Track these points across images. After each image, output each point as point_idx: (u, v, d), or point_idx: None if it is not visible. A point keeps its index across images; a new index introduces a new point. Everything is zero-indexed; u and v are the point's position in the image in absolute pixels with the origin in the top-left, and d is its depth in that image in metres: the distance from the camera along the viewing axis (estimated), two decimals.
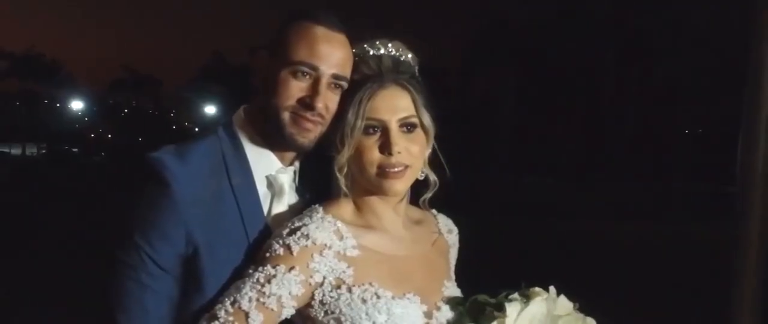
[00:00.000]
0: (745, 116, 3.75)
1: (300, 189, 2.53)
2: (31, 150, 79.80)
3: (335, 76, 2.35)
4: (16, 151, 77.98)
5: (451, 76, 65.66)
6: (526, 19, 58.87)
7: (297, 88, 2.34)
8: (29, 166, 59.60)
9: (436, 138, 2.47)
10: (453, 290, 2.48)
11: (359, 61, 2.42)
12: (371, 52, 2.42)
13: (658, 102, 52.24)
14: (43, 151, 77.37)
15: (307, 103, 2.33)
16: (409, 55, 2.47)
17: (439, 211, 2.69)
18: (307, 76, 2.34)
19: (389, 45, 2.44)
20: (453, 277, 2.62)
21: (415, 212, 2.60)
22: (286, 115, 2.34)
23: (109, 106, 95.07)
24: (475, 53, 61.75)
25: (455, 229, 2.72)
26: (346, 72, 2.38)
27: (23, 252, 14.77)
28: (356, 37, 2.48)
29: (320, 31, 2.36)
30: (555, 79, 55.98)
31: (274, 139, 2.41)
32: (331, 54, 2.35)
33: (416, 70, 2.48)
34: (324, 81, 2.34)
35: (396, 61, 2.41)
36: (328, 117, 2.37)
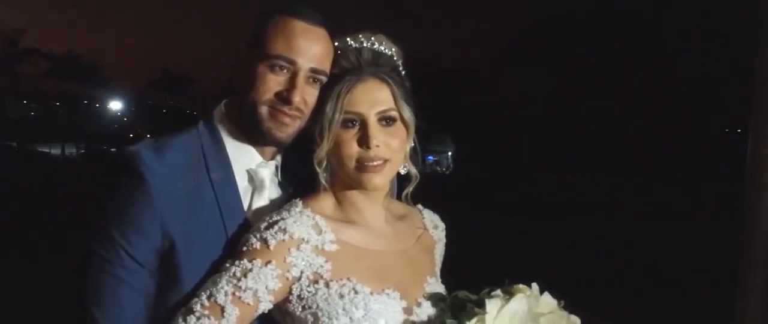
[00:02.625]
0: (754, 111, 3.69)
1: (283, 183, 2.52)
2: (71, 150, 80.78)
3: (313, 70, 2.34)
4: (55, 151, 78.99)
5: (485, 74, 65.58)
6: (560, 18, 58.55)
7: (275, 82, 2.33)
8: (68, 165, 60.17)
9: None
10: (436, 286, 2.45)
11: (339, 54, 2.40)
12: (353, 46, 2.40)
13: (695, 101, 51.72)
14: (82, 151, 78.17)
15: (284, 98, 2.32)
16: (393, 49, 2.44)
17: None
18: (285, 70, 2.33)
19: (372, 38, 2.42)
20: (437, 273, 2.59)
21: (400, 207, 2.57)
22: (263, 110, 2.33)
23: (148, 106, 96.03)
24: (509, 52, 61.57)
25: (441, 225, 2.69)
26: (325, 66, 2.36)
27: (62, 249, 14.92)
28: (341, 32, 2.46)
29: (299, 25, 2.34)
30: (589, 77, 55.64)
31: (253, 134, 2.40)
32: (309, 48, 2.33)
33: (399, 64, 2.46)
34: (302, 75, 2.33)
35: (376, 54, 2.39)
36: (307, 111, 2.36)
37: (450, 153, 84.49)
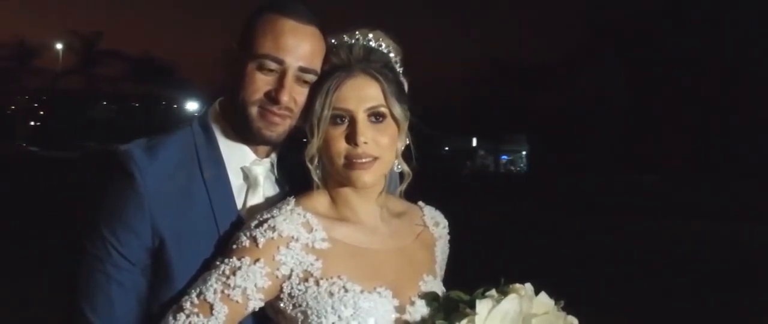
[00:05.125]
0: None
1: (279, 181, 2.52)
2: None
3: (302, 69, 2.32)
4: None
5: (560, 73, 64.98)
6: (634, 17, 57.79)
7: (263, 81, 2.32)
8: None
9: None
10: (433, 285, 2.41)
11: (332, 51, 2.38)
12: (346, 42, 2.39)
13: None
14: None
15: (273, 97, 2.31)
16: (391, 46, 2.42)
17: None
18: (274, 70, 2.32)
19: (370, 35, 2.39)
20: (437, 271, 2.55)
21: (399, 205, 2.55)
22: (253, 110, 2.33)
23: None
24: (584, 51, 60.91)
25: (443, 222, 2.64)
26: (315, 64, 2.35)
27: None
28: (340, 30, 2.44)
29: (287, 23, 2.33)
30: (664, 75, 54.79)
31: (244, 133, 2.40)
32: (298, 46, 2.32)
33: (395, 61, 2.42)
34: (290, 74, 2.31)
35: (367, 50, 2.36)
36: (297, 110, 2.35)
37: (524, 152, 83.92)
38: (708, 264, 15.94)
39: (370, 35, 2.39)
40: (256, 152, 2.44)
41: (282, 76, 2.31)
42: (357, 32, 2.39)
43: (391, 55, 2.41)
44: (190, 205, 2.32)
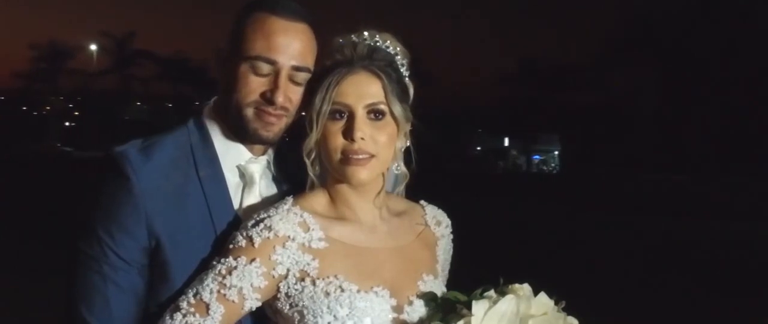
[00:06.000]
0: None
1: (277, 178, 2.51)
2: None
3: (295, 68, 2.31)
4: None
5: (592, 73, 64.67)
6: (665, 14, 57.38)
7: (257, 83, 2.31)
8: None
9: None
10: (432, 285, 2.38)
11: (337, 49, 2.35)
12: (352, 40, 2.36)
13: None
14: None
15: (268, 98, 2.30)
16: (398, 48, 2.39)
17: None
18: (267, 70, 2.30)
19: (377, 36, 2.37)
20: (439, 270, 2.52)
21: (400, 204, 2.53)
22: (249, 112, 2.33)
23: None
24: (615, 50, 60.56)
25: (445, 221, 2.61)
26: (308, 62, 2.34)
27: None
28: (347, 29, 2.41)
29: (277, 22, 2.31)
30: (696, 75, 54.36)
31: (240, 133, 2.39)
32: (289, 45, 2.30)
33: (401, 63, 2.39)
34: (284, 74, 2.30)
35: (372, 48, 2.33)
36: (292, 109, 2.35)
37: (556, 152, 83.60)
38: (737, 264, 15.81)
39: (377, 36, 2.36)
40: (251, 150, 2.43)
41: (276, 76, 2.30)
42: (365, 32, 2.37)
43: (397, 57, 2.38)
44: (186, 204, 2.31)
